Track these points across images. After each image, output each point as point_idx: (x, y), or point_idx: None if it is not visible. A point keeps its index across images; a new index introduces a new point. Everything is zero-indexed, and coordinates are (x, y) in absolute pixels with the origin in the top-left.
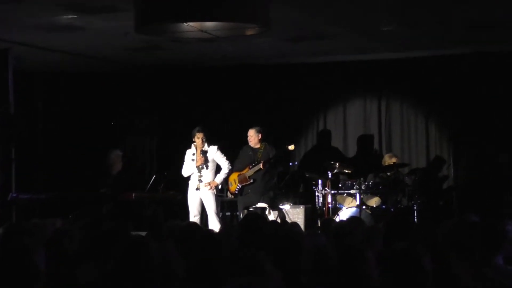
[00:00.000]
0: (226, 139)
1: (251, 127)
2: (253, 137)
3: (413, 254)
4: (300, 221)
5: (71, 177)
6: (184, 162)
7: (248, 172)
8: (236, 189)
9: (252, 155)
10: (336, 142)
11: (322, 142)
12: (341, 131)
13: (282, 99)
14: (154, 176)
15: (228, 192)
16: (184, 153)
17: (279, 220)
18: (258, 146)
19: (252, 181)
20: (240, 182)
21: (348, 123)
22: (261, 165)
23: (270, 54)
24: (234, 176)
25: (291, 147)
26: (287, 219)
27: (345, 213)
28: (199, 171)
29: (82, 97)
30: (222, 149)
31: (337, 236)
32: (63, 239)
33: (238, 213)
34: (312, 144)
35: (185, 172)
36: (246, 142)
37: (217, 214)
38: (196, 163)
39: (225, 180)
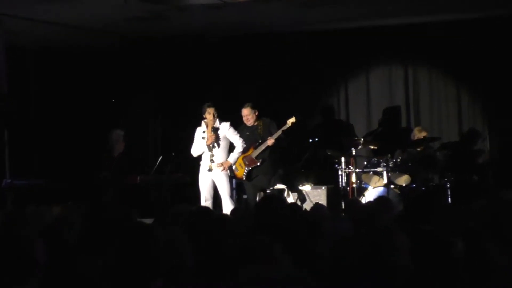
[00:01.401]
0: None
1: (243, 105)
2: (250, 116)
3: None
4: (322, 203)
5: (69, 161)
6: (194, 141)
7: (253, 152)
8: (244, 173)
9: (251, 135)
10: (359, 115)
11: (344, 116)
12: (364, 104)
13: (297, 72)
14: (161, 157)
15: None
16: (193, 132)
17: (299, 203)
18: (256, 123)
19: (260, 162)
20: (247, 165)
21: (372, 94)
22: (268, 142)
23: (282, 22)
24: (239, 160)
25: (292, 120)
26: (308, 201)
27: (371, 193)
28: (210, 150)
29: (78, 74)
30: (235, 126)
31: (362, 219)
32: (62, 228)
33: (246, 197)
34: (333, 119)
35: (194, 152)
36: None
37: (232, 197)
38: (206, 141)
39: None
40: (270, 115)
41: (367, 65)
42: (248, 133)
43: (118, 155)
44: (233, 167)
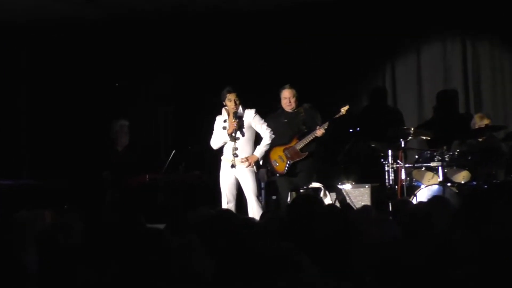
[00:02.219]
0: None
1: (282, 87)
2: (292, 99)
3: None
4: (366, 203)
5: (65, 157)
6: (214, 131)
7: (298, 144)
8: (286, 167)
9: (290, 123)
10: (409, 100)
11: (391, 102)
12: (414, 87)
13: (334, 51)
14: (174, 151)
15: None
16: (213, 121)
17: (337, 204)
18: (295, 110)
19: (305, 155)
20: (290, 158)
21: (423, 75)
22: (317, 133)
23: None
24: (278, 151)
25: (346, 108)
26: (348, 201)
27: (424, 193)
28: (233, 140)
29: (75, 55)
30: (261, 113)
31: (414, 223)
32: (58, 235)
33: (276, 197)
34: (377, 105)
35: (214, 143)
36: (274, 107)
37: (259, 198)
38: (227, 130)
39: (265, 156)
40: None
41: (417, 41)
42: (286, 120)
43: (122, 150)
44: (272, 161)
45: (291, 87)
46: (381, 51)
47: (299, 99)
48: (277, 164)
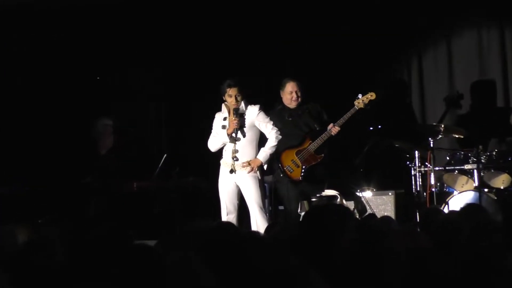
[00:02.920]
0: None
1: (285, 80)
2: (299, 93)
3: None
4: (389, 214)
5: (39, 162)
6: (212, 130)
7: (312, 145)
8: (302, 173)
9: (295, 122)
10: (439, 94)
11: (418, 96)
12: (445, 78)
13: (353, 40)
14: (165, 155)
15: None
16: (212, 120)
17: (356, 214)
18: (297, 105)
19: (322, 157)
20: (305, 162)
21: (455, 66)
22: (332, 131)
23: None
24: (290, 155)
25: (370, 97)
26: (369, 211)
27: (457, 200)
28: (233, 141)
29: (53, 45)
30: (266, 110)
31: (445, 236)
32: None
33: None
34: (402, 99)
35: (212, 145)
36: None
37: (264, 208)
38: (227, 130)
39: (272, 160)
40: (318, 96)
41: (449, 27)
42: (290, 119)
43: (106, 153)
44: (285, 167)
45: (294, 79)
46: (405, 42)
47: (310, 95)
48: (292, 170)
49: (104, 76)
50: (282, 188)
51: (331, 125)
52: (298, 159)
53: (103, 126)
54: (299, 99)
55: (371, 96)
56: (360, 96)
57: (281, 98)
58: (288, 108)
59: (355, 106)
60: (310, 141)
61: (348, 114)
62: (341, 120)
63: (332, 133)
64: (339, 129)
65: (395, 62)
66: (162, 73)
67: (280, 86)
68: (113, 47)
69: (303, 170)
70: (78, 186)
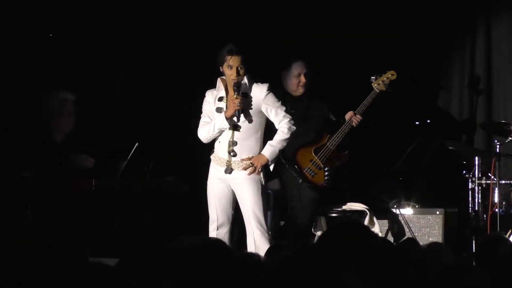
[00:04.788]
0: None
1: (291, 60)
2: (307, 78)
3: None
4: (435, 239)
5: None
6: (202, 114)
7: (331, 141)
8: (326, 178)
9: (304, 112)
10: (508, 78)
11: (483, 82)
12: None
13: (385, 18)
14: (136, 144)
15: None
16: (201, 99)
17: (391, 238)
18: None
19: (347, 155)
20: (328, 163)
21: None
22: (354, 121)
23: None
24: (308, 154)
25: (390, 76)
26: (408, 234)
27: None
28: (233, 129)
29: None
30: (275, 91)
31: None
32: None
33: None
34: (459, 86)
35: (203, 134)
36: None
37: (264, 222)
38: (225, 112)
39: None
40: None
41: None
42: (293, 111)
43: (63, 139)
44: (304, 169)
45: (302, 61)
46: (470, 4)
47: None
48: (313, 173)
49: (57, 35)
50: (294, 193)
51: (350, 113)
52: (318, 160)
53: (60, 101)
54: (306, 86)
55: (392, 75)
56: (375, 77)
57: (281, 84)
58: (291, 96)
59: (375, 89)
60: (328, 136)
61: (369, 99)
62: (362, 107)
63: (354, 124)
64: (361, 118)
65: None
66: (132, 32)
67: (283, 68)
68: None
69: (326, 173)
70: (14, 181)
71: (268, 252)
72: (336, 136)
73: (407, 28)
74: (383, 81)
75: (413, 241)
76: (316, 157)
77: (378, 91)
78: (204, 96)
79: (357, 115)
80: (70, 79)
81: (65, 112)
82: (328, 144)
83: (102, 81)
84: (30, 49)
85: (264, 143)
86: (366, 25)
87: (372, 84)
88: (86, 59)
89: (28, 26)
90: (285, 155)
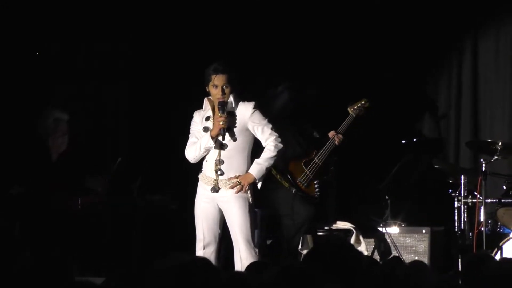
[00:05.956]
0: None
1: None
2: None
3: None
4: (422, 258)
5: None
6: (190, 135)
7: (318, 157)
8: (317, 189)
9: (285, 128)
10: (498, 98)
11: (469, 101)
12: (508, 78)
13: (380, 27)
14: (119, 159)
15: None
16: (189, 118)
17: (377, 257)
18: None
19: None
20: (317, 176)
21: None
22: (336, 140)
23: None
24: (299, 166)
25: (362, 105)
26: (394, 253)
27: None
28: (219, 148)
29: None
30: (262, 109)
31: None
32: None
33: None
34: (446, 105)
35: (191, 153)
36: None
37: (251, 241)
38: (211, 131)
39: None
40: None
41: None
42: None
43: (58, 159)
44: (298, 179)
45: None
46: (457, 23)
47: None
48: (306, 184)
49: (45, 52)
50: (287, 212)
51: (332, 132)
52: (309, 172)
53: (55, 121)
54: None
55: (365, 102)
56: (350, 103)
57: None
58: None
59: (351, 114)
60: (315, 151)
61: (348, 121)
62: (342, 128)
63: (336, 143)
64: (342, 137)
65: (438, 51)
66: (120, 54)
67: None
68: (58, 10)
69: (317, 185)
70: (6, 198)
71: (248, 268)
72: (322, 152)
73: (394, 47)
74: (358, 106)
75: (399, 259)
76: (306, 169)
77: (354, 116)
78: (192, 116)
79: (339, 134)
80: (60, 96)
81: (58, 132)
82: (315, 159)
83: (92, 98)
84: (20, 66)
85: (252, 162)
86: (353, 45)
87: (348, 109)
88: (76, 76)
89: (17, 42)
90: (277, 167)
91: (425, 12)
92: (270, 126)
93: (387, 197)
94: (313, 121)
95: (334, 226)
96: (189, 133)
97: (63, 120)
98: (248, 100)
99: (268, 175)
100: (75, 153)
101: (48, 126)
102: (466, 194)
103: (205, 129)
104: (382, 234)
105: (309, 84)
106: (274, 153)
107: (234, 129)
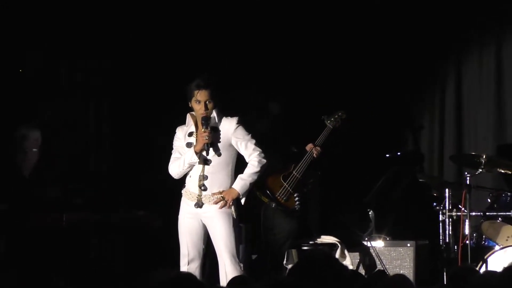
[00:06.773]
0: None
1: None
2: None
3: None
4: (407, 272)
5: None
6: (173, 150)
7: (297, 170)
8: (297, 202)
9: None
10: (481, 113)
11: (453, 114)
12: (492, 93)
13: (367, 39)
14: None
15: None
16: (172, 134)
17: (362, 270)
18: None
19: (310, 185)
20: (296, 190)
21: (506, 77)
22: (315, 152)
23: None
24: (277, 181)
25: (342, 116)
26: (379, 267)
27: (499, 258)
28: (203, 163)
29: None
30: (246, 124)
31: None
32: None
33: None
34: (434, 121)
35: (174, 169)
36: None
37: (236, 256)
38: (194, 147)
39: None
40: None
41: (498, 31)
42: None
43: (31, 173)
44: (277, 193)
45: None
46: (440, 45)
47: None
48: (285, 197)
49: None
50: (270, 227)
51: (310, 145)
52: (287, 186)
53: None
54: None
55: (341, 114)
56: (327, 115)
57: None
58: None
59: (328, 125)
60: (293, 165)
61: (325, 133)
62: (320, 140)
63: (314, 155)
64: (319, 149)
65: (423, 66)
66: (102, 69)
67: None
68: (40, 27)
69: (296, 198)
70: None
71: (230, 283)
72: (300, 165)
73: (380, 63)
74: (334, 118)
75: (384, 273)
76: (285, 183)
77: (331, 127)
78: (175, 132)
79: (316, 147)
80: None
81: (27, 148)
82: (294, 172)
83: (75, 114)
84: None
85: (235, 177)
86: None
87: (325, 121)
88: (59, 92)
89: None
90: (256, 183)
91: (410, 24)
92: (254, 141)
93: (371, 211)
94: (290, 135)
95: (319, 241)
96: (172, 149)
97: (30, 136)
98: (231, 116)
99: (251, 191)
100: (45, 168)
101: (16, 142)
102: (450, 207)
103: (188, 144)
104: (367, 248)
105: (272, 98)
106: (258, 169)
107: (218, 144)
